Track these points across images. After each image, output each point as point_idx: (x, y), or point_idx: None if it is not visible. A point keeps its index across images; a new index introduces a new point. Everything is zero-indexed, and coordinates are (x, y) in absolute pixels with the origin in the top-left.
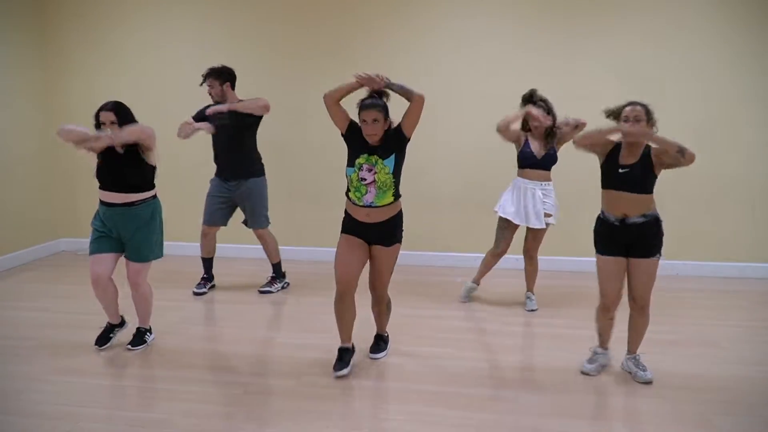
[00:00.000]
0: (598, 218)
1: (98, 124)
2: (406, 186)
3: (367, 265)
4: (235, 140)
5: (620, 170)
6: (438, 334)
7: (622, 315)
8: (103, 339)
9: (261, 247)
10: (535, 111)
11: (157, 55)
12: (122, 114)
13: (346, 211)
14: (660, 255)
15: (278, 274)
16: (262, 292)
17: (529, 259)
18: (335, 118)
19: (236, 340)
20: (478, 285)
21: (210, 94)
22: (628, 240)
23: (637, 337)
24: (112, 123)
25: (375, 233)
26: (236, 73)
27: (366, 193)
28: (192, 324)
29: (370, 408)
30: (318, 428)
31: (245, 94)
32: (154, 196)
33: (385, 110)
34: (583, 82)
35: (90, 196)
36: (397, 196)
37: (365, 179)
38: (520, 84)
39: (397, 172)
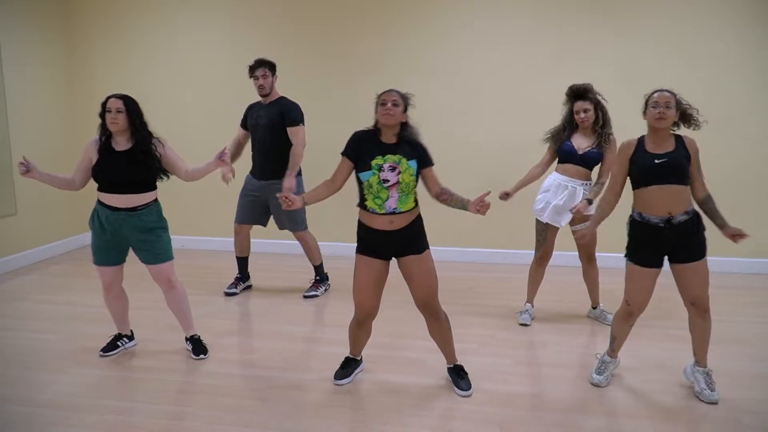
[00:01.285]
0: (634, 222)
1: (104, 111)
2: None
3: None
4: (270, 139)
5: (656, 160)
6: (460, 330)
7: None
8: (110, 347)
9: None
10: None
11: (181, 52)
12: (130, 104)
13: (360, 225)
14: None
15: (321, 276)
16: (307, 297)
17: (590, 264)
18: (348, 175)
19: (259, 335)
20: (533, 305)
21: (262, 86)
22: (671, 244)
23: (703, 345)
24: (119, 111)
25: (399, 242)
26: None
27: (388, 198)
28: (216, 318)
29: (393, 403)
30: (341, 422)
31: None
32: (156, 199)
33: (404, 100)
34: (598, 79)
35: None
36: (416, 201)
37: (388, 180)
38: (538, 82)
39: (417, 179)
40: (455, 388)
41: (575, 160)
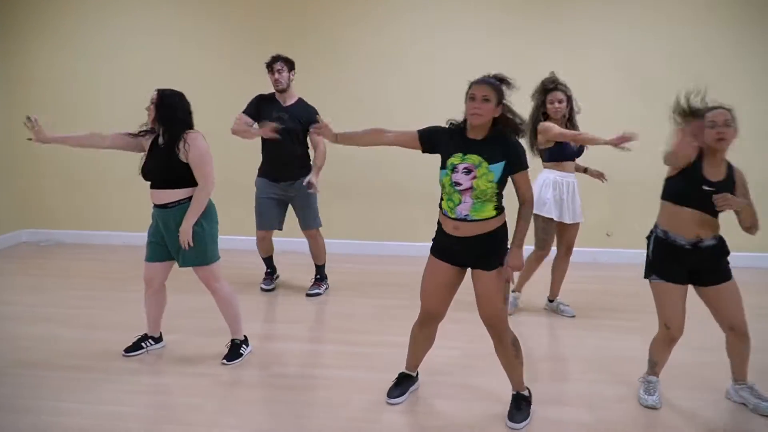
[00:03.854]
0: (657, 239)
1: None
2: (406, 178)
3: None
4: (295, 143)
5: (705, 187)
6: (411, 323)
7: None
8: (133, 348)
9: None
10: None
11: (118, 40)
12: (166, 98)
13: (438, 224)
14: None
15: (323, 276)
16: (310, 295)
17: (566, 258)
18: (404, 146)
19: (207, 332)
20: (520, 293)
21: (278, 81)
22: (695, 265)
23: (743, 364)
24: (152, 102)
25: (468, 253)
26: (207, 63)
27: (460, 203)
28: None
29: (341, 397)
30: (288, 418)
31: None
32: (191, 197)
33: (499, 94)
34: (581, 74)
35: (54, 187)
36: (500, 209)
37: (459, 184)
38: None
39: (502, 184)
40: (506, 418)
41: (575, 155)
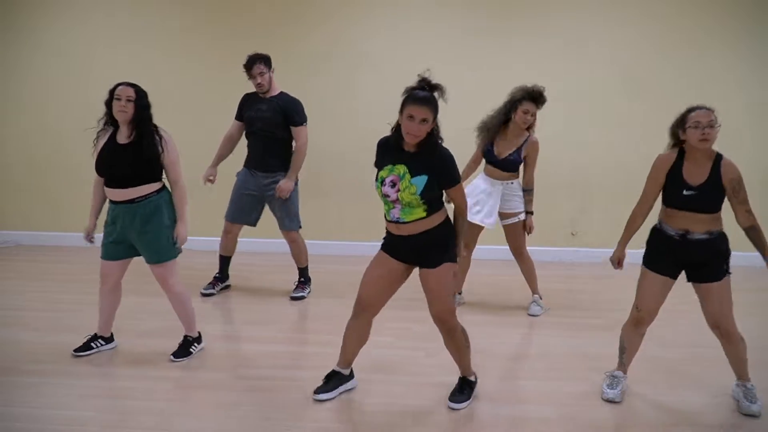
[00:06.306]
0: (654, 229)
1: (111, 99)
2: (359, 179)
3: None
4: (272, 132)
5: (685, 192)
6: (377, 324)
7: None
8: (84, 348)
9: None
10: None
11: (79, 38)
12: (141, 94)
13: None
14: (729, 273)
15: (306, 278)
16: (295, 299)
17: (518, 259)
18: None
19: (168, 334)
20: (460, 293)
21: (260, 84)
22: (689, 259)
23: (736, 365)
24: (129, 99)
25: (413, 250)
26: (169, 58)
27: (393, 208)
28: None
29: (308, 398)
30: (253, 420)
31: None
32: (159, 190)
33: (435, 111)
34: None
35: (9, 187)
36: (431, 210)
37: (388, 196)
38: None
39: (428, 195)
40: (448, 399)
41: (496, 164)
